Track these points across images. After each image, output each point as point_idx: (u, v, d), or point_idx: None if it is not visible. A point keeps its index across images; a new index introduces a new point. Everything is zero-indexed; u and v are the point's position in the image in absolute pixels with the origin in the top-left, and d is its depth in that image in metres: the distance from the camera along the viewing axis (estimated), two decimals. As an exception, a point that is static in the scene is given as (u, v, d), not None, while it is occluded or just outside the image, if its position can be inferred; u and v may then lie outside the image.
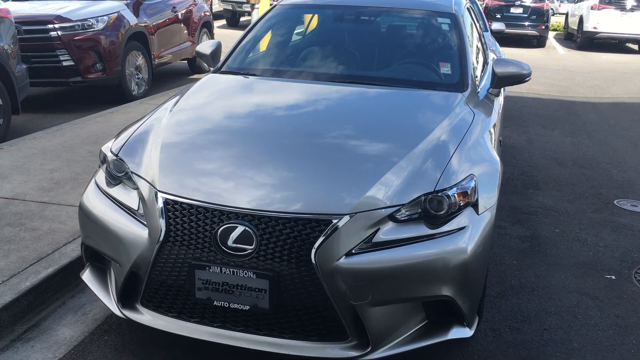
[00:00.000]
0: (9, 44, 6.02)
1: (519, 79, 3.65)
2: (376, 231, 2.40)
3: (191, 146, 2.80)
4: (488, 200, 2.67)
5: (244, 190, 2.47)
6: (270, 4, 9.34)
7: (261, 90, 3.59)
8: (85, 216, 2.77)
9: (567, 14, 19.38)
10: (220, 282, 2.40)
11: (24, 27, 7.02)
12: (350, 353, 2.41)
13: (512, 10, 16.94)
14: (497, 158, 2.97)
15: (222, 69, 3.92)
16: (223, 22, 18.84)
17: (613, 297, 3.40)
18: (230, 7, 18.16)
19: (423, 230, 2.44)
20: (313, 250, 2.31)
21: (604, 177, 5.58)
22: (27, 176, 4.54)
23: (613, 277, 3.63)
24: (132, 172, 2.70)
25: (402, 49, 4.08)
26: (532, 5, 16.87)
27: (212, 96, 3.46)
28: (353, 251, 2.35)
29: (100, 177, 2.90)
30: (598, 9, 15.99)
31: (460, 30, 3.92)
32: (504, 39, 15.60)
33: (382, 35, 4.23)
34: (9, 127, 6.04)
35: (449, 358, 2.77)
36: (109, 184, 2.81)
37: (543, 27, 16.79)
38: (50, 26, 7.12)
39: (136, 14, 8.21)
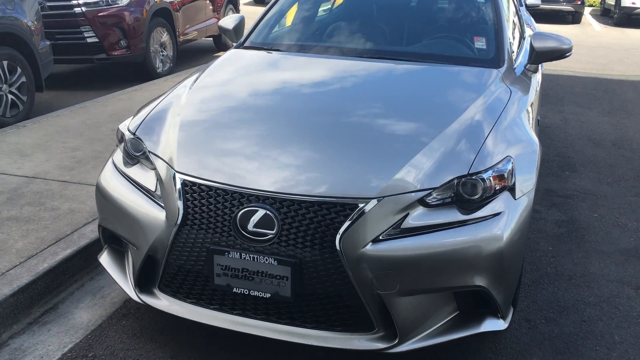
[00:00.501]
0: (32, 20, 5.94)
1: (559, 54, 3.43)
2: (405, 216, 2.24)
3: (211, 125, 2.67)
4: (526, 184, 2.49)
5: (267, 171, 2.33)
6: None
7: (286, 66, 3.43)
8: (102, 197, 2.67)
9: (604, -11, 18.70)
10: (239, 268, 2.28)
11: (48, 3, 6.95)
12: (377, 345, 2.28)
13: (548, -16, 16.38)
14: (536, 138, 2.78)
15: (245, 44, 3.77)
16: (249, -2, 18.64)
17: (656, 287, 3.21)
18: (256, -16, 17.95)
19: (455, 215, 2.28)
20: (338, 236, 2.17)
21: (645, 159, 5.32)
22: (48, 154, 4.48)
23: (656, 266, 3.43)
24: (149, 152, 2.58)
25: (433, 22, 3.87)
26: (568, -21, 16.29)
27: (234, 72, 3.32)
28: (380, 237, 2.20)
29: (118, 156, 2.79)
30: (637, -16, 15.37)
31: (496, 1, 3.70)
32: (538, 15, 15.11)
33: (413, 9, 4.02)
34: (32, 104, 5.99)
35: (481, 350, 2.62)
36: (126, 163, 2.70)
37: (579, 3, 16.18)
38: (75, 2, 7.03)
39: (161, -10, 8.08)
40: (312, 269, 2.22)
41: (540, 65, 3.79)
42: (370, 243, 2.18)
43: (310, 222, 2.20)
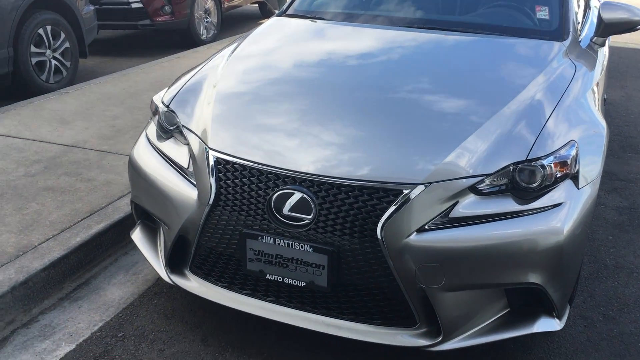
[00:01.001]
0: (76, -16, 5.87)
1: (631, 26, 3.12)
2: (454, 204, 2.05)
3: (248, 98, 2.51)
4: (590, 171, 2.25)
5: (307, 150, 2.16)
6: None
7: (330, 36, 3.22)
8: (135, 171, 2.56)
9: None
10: (273, 254, 2.14)
11: (93, -32, 6.87)
12: (420, 341, 2.11)
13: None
14: (602, 120, 2.53)
15: (288, 12, 3.57)
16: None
17: None
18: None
19: (510, 205, 2.07)
20: (380, 224, 1.99)
21: None
22: (88, 122, 4.42)
23: None
24: (183, 126, 2.45)
25: (490, -10, 3.58)
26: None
27: (274, 42, 3.13)
28: (426, 227, 2.02)
29: (152, 129, 2.67)
30: None
31: (561, -33, 3.39)
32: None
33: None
34: (76, 70, 5.96)
35: (532, 349, 2.43)
36: (159, 137, 2.58)
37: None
38: (119, -34, 6.94)
39: (206, -46, 7.90)
40: (351, 259, 2.05)
41: (608, 37, 3.47)
42: (415, 233, 2.00)
43: (350, 208, 2.03)
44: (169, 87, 2.76)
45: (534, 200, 2.09)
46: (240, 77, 2.70)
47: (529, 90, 2.44)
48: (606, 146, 2.42)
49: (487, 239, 2.02)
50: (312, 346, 2.40)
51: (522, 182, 2.10)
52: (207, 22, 8.01)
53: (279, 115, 2.37)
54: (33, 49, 5.39)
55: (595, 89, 2.81)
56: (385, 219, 1.99)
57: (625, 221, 3.52)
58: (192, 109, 2.50)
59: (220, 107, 2.44)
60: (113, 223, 3.04)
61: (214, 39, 8.11)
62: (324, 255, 2.06)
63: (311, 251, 2.07)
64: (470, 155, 2.10)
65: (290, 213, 2.08)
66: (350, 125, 2.28)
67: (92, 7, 6.22)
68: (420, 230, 2.01)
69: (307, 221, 2.07)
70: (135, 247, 3.04)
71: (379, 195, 2.02)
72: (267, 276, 2.18)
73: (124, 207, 3.17)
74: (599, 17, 3.15)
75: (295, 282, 2.15)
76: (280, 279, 2.17)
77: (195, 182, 2.28)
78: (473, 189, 2.06)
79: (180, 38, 7.77)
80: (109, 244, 3.02)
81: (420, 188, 2.01)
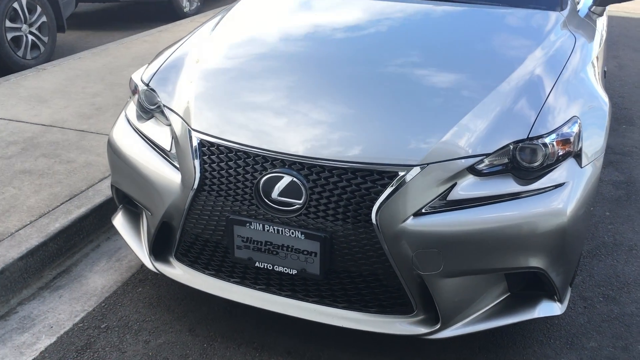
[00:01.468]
0: (51, -45, 5.62)
1: (631, -6, 3.00)
2: (453, 186, 1.94)
3: (233, 75, 2.37)
4: (593, 149, 2.15)
5: (295, 129, 2.03)
6: None
7: (318, 7, 3.07)
8: (114, 154, 2.42)
9: None
10: (262, 241, 2.03)
11: (69, -63, 6.59)
12: (418, 329, 2.02)
13: None
14: (604, 95, 2.42)
15: (274, -18, 3.40)
16: None
17: None
18: None
19: (511, 186, 1.97)
20: (374, 208, 1.89)
21: None
22: (68, 100, 4.25)
23: None
24: (164, 105, 2.31)
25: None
26: None
27: (260, 15, 2.98)
28: (423, 210, 1.91)
29: (131, 109, 2.53)
30: None
31: None
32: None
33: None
34: (54, 45, 5.74)
35: (531, 332, 2.35)
36: (140, 118, 2.44)
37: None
38: (96, -64, 6.66)
39: None
40: (344, 245, 1.95)
41: (605, 8, 3.34)
42: (412, 217, 1.90)
43: (343, 192, 1.91)
44: (149, 64, 2.61)
45: (536, 181, 1.99)
46: (224, 52, 2.55)
47: (528, 64, 2.32)
48: (609, 122, 2.32)
49: (488, 222, 1.92)
50: (304, 335, 2.31)
51: (523, 162, 1.99)
52: (189, -7, 7.77)
53: (266, 92, 2.24)
54: (8, 23, 5.18)
55: (595, 61, 2.70)
56: (380, 203, 1.88)
57: (622, 196, 3.45)
58: (173, 87, 2.36)
59: (204, 85, 2.30)
60: (94, 207, 2.91)
61: (197, 11, 7.88)
62: (316, 242, 1.95)
63: (302, 238, 1.96)
64: (469, 134, 1.99)
65: (279, 198, 1.96)
66: (341, 102, 2.15)
67: (69, -21, 5.98)
68: (417, 214, 1.90)
69: (297, 206, 1.96)
70: (118, 232, 2.92)
71: (373, 178, 1.91)
72: (257, 264, 2.07)
73: (105, 190, 3.03)
74: (598, -15, 3.02)
75: (286, 270, 2.05)
76: (270, 266, 2.06)
77: (178, 166, 2.15)
78: (472, 170, 1.96)
79: (163, 11, 7.53)
80: (90, 230, 2.89)
81: (416, 170, 1.90)
